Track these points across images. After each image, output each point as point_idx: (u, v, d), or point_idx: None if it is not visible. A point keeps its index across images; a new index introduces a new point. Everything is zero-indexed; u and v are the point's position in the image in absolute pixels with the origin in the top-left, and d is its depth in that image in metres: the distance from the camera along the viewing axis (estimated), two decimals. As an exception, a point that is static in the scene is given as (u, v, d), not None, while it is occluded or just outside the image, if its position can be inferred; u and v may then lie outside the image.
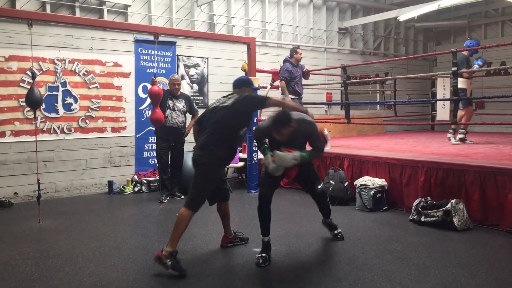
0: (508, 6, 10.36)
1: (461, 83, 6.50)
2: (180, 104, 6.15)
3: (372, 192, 5.28)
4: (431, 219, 4.56)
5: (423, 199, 4.81)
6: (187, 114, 6.31)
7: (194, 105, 6.39)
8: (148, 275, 3.36)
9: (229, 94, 3.81)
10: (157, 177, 6.60)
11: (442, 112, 6.92)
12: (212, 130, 3.56)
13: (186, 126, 6.31)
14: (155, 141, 6.48)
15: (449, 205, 4.47)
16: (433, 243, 4.07)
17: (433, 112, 9.93)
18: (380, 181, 5.40)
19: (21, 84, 6.07)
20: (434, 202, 4.72)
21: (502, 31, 10.97)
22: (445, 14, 11.68)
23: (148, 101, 6.92)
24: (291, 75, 6.77)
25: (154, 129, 6.45)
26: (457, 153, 5.75)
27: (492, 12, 11.15)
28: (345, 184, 5.74)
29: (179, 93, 6.19)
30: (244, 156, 6.83)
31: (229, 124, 3.57)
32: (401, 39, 11.70)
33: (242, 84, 3.91)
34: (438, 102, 6.95)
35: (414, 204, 4.84)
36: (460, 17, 11.62)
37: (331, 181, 5.75)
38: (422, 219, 4.63)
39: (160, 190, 6.21)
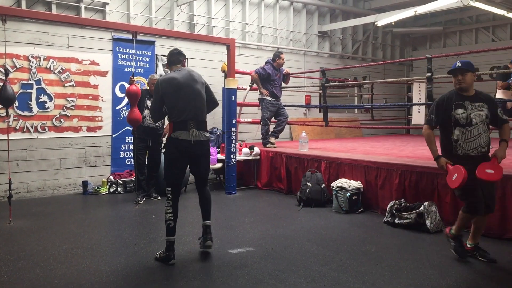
0: (482, 14, 10.66)
1: None
2: (158, 104, 6.08)
3: (348, 194, 5.34)
4: (405, 221, 4.64)
5: (397, 202, 4.90)
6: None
7: (172, 105, 6.31)
8: (121, 277, 3.32)
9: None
10: (134, 178, 6.52)
11: (418, 116, 7.05)
12: None
13: (164, 126, 6.26)
14: (132, 141, 6.39)
15: (422, 208, 4.57)
16: (406, 244, 4.16)
17: (408, 116, 10.12)
18: (356, 184, 5.47)
19: (-7, 81, 5.91)
20: (408, 204, 4.82)
21: (476, 38, 11.27)
22: (422, 21, 11.94)
23: (126, 100, 6.84)
24: (268, 76, 6.91)
25: (131, 129, 6.37)
26: (430, 156, 5.85)
27: (467, 20, 11.45)
28: (322, 186, 5.79)
29: (157, 93, 6.12)
30: (222, 157, 6.81)
31: None
32: (379, 44, 11.90)
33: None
34: (413, 106, 7.08)
35: (389, 206, 4.92)
36: (436, 23, 11.90)
37: (308, 183, 5.79)
38: (396, 221, 4.72)
39: (136, 191, 6.14)
